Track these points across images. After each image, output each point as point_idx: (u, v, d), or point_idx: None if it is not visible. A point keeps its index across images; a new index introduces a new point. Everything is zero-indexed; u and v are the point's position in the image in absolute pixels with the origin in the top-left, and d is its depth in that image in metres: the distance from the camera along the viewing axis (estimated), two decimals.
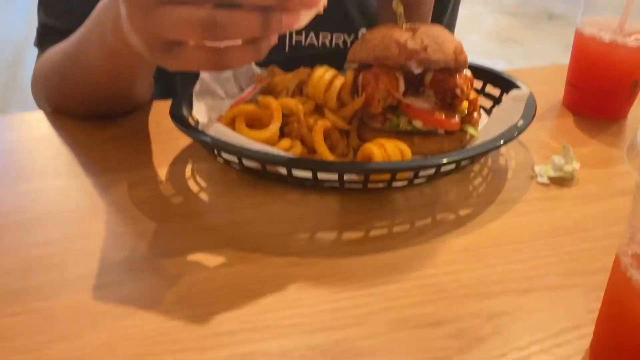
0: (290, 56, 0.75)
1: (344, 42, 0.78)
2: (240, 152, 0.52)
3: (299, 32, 0.75)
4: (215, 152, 0.55)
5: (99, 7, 0.56)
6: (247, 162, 0.53)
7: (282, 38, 0.73)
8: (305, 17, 0.44)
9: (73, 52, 0.63)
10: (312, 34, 0.77)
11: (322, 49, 0.77)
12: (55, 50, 0.67)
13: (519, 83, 0.64)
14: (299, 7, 0.41)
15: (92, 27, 0.58)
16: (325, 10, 0.43)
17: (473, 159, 0.56)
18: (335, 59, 0.64)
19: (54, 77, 0.67)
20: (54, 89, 0.67)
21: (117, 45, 0.53)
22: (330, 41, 0.77)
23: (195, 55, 0.43)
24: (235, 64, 0.44)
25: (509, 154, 0.63)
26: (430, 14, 0.72)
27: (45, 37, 0.71)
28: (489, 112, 0.67)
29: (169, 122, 0.55)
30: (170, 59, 0.44)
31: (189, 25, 0.40)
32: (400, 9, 0.59)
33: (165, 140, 0.62)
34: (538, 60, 3.10)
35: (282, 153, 0.53)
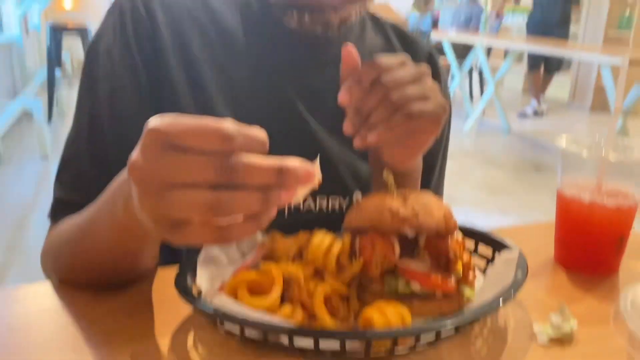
0: (290, 221, 0.78)
1: (340, 205, 0.82)
2: (241, 324, 0.53)
3: None
4: (217, 322, 0.56)
5: (112, 185, 0.60)
6: (248, 332, 0.54)
7: None
8: (301, 192, 0.47)
9: (83, 225, 0.66)
10: (309, 198, 0.82)
11: (319, 214, 0.81)
12: (66, 224, 0.70)
13: (508, 243, 0.66)
14: (295, 184, 0.45)
15: (104, 202, 0.62)
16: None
17: (472, 322, 0.57)
18: (333, 222, 0.67)
19: (64, 251, 0.69)
20: (62, 262, 0.69)
21: (127, 221, 0.56)
22: (327, 205, 0.81)
23: (200, 232, 0.46)
24: (237, 238, 0.46)
25: (507, 313, 0.63)
26: (419, 180, 0.77)
27: (59, 211, 0.74)
28: (484, 270, 0.68)
29: (172, 290, 0.57)
30: (177, 235, 0.46)
31: (196, 206, 0.44)
32: (390, 179, 0.63)
33: (168, 309, 0.63)
34: (529, 210, 3.20)
35: (283, 321, 0.54)
